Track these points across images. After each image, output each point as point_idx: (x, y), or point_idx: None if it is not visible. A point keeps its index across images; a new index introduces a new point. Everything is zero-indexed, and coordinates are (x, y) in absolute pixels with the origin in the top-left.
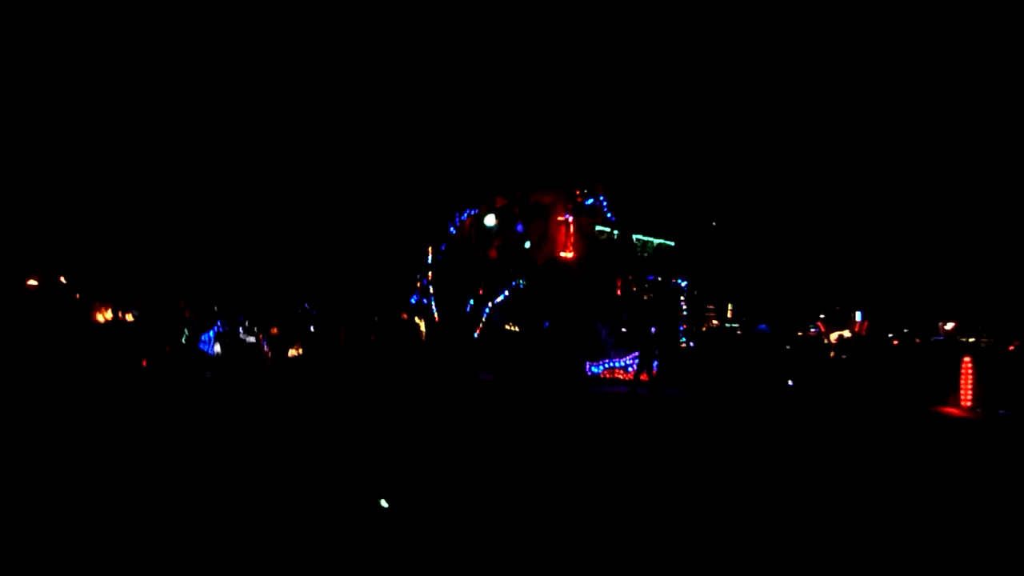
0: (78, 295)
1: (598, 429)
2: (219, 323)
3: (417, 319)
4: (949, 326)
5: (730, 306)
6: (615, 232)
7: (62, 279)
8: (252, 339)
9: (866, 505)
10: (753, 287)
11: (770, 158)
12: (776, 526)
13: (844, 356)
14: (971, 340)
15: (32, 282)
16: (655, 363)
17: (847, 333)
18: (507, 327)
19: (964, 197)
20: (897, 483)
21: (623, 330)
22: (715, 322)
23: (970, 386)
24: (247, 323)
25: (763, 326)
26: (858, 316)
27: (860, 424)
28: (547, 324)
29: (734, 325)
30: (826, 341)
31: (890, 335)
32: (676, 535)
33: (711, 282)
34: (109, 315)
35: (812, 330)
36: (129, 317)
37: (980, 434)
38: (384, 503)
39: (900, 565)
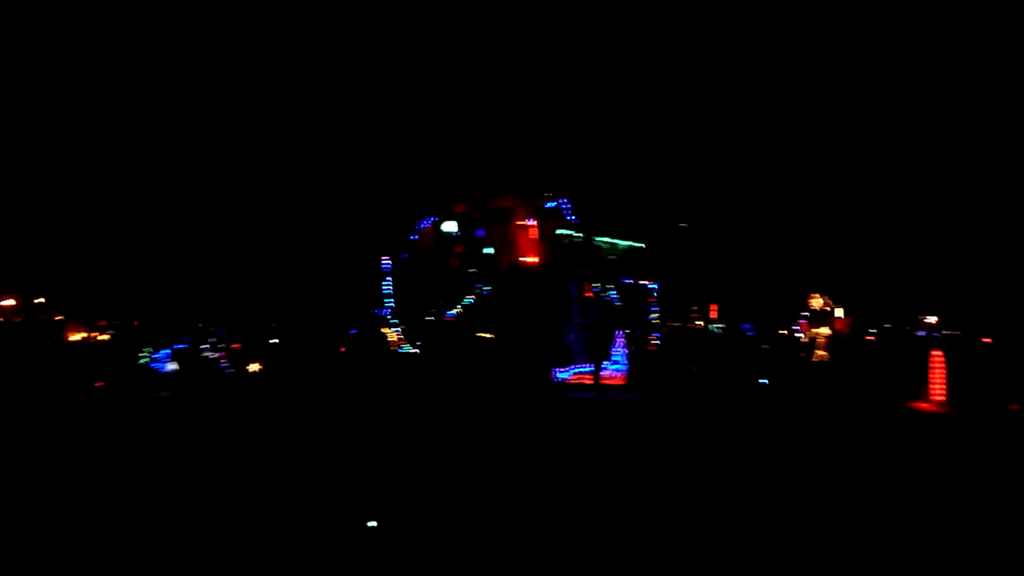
0: (57, 316)
1: (564, 435)
2: (184, 340)
3: (384, 330)
4: (931, 320)
5: (713, 307)
6: (579, 235)
7: (40, 300)
8: (214, 355)
9: (827, 501)
10: (734, 287)
11: (739, 153)
12: (737, 522)
13: (822, 354)
14: (954, 334)
15: (9, 302)
16: (612, 366)
17: (827, 330)
18: (478, 334)
19: (946, 186)
20: (859, 478)
21: (590, 334)
22: (700, 323)
23: (941, 380)
24: (214, 340)
25: (747, 326)
26: (840, 313)
27: (829, 420)
28: (512, 331)
29: (719, 326)
30: (806, 339)
31: (872, 331)
32: (641, 531)
33: (690, 283)
34: (83, 335)
35: (796, 328)
36: (104, 337)
37: (947, 429)
38: (372, 524)
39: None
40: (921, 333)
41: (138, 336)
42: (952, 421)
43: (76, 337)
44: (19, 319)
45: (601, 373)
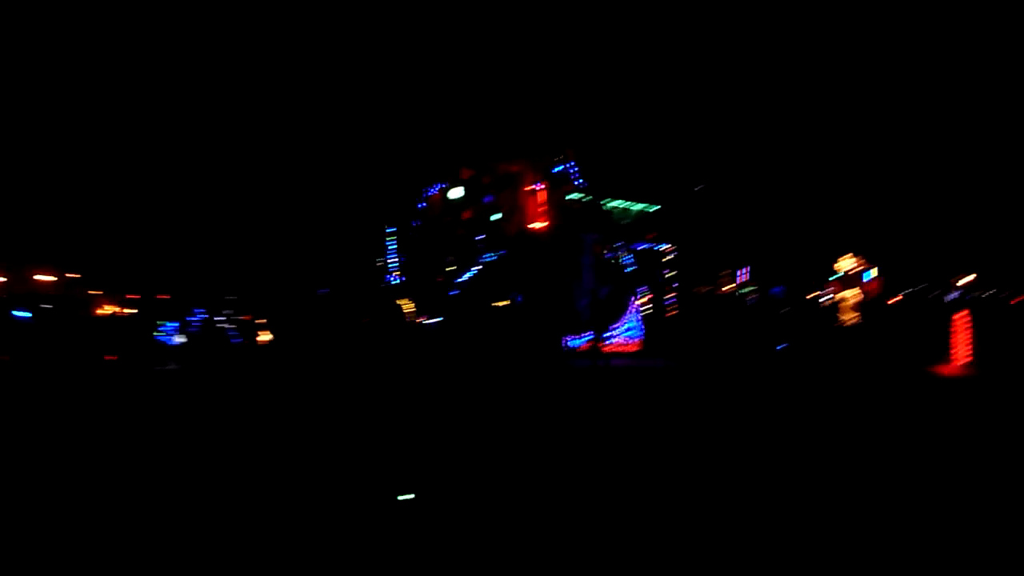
0: (94, 291)
1: (574, 405)
2: (198, 312)
3: (399, 301)
4: (965, 281)
5: (742, 271)
6: (590, 199)
7: (75, 276)
8: (226, 326)
9: (834, 472)
10: (763, 250)
11: (761, 108)
12: (741, 493)
13: (847, 317)
14: (983, 295)
15: (44, 277)
16: (626, 333)
17: (856, 293)
18: (488, 303)
19: (987, 144)
20: (865, 446)
21: (600, 301)
22: (730, 287)
23: (965, 343)
24: (228, 311)
25: (777, 289)
26: (871, 275)
27: (844, 386)
28: (520, 299)
29: (750, 289)
30: (834, 302)
31: (903, 292)
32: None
33: (716, 246)
34: (112, 309)
35: (827, 291)
36: (131, 311)
37: (966, 395)
38: (404, 497)
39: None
40: (953, 295)
41: (160, 310)
42: (972, 386)
43: (104, 312)
44: (55, 293)
45: (614, 340)
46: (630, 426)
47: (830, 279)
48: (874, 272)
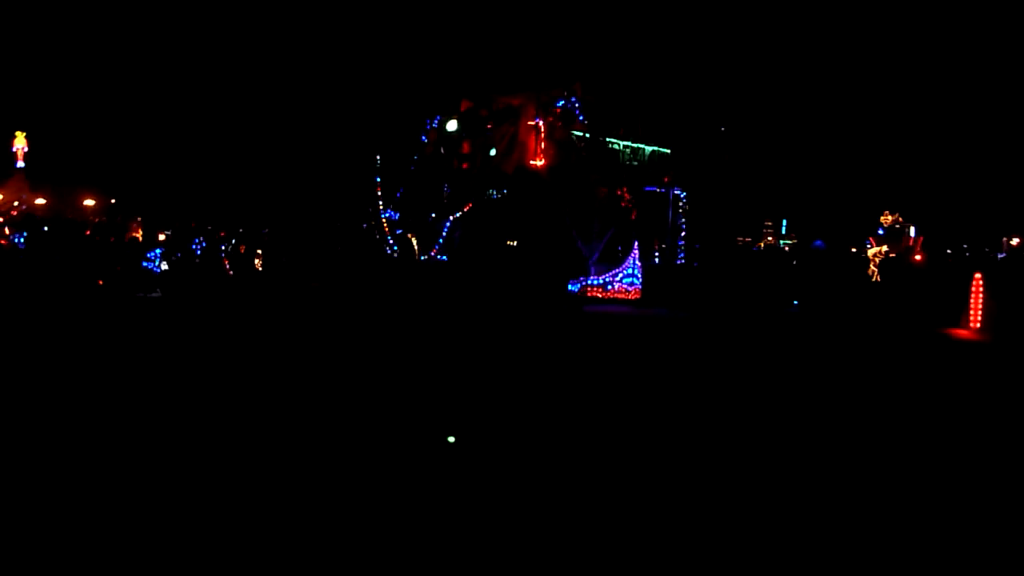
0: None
1: (566, 351)
2: (197, 240)
3: (409, 235)
4: (1014, 242)
5: (762, 223)
6: (594, 138)
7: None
8: (222, 254)
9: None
10: (785, 202)
11: (796, 43)
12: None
13: (872, 275)
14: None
15: (89, 202)
16: (625, 280)
17: (884, 249)
18: (488, 243)
19: None
20: (874, 410)
21: (605, 245)
22: (771, 239)
23: (979, 306)
24: (232, 240)
25: (819, 242)
26: (912, 232)
27: (853, 347)
28: (519, 240)
29: (788, 242)
30: (861, 258)
31: (947, 251)
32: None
33: (730, 195)
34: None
35: (867, 245)
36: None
37: (981, 358)
38: (451, 439)
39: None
40: (1001, 255)
41: (152, 236)
42: (985, 350)
43: (100, 237)
44: (101, 219)
45: (613, 286)
46: (616, 374)
47: (875, 235)
48: (913, 229)
